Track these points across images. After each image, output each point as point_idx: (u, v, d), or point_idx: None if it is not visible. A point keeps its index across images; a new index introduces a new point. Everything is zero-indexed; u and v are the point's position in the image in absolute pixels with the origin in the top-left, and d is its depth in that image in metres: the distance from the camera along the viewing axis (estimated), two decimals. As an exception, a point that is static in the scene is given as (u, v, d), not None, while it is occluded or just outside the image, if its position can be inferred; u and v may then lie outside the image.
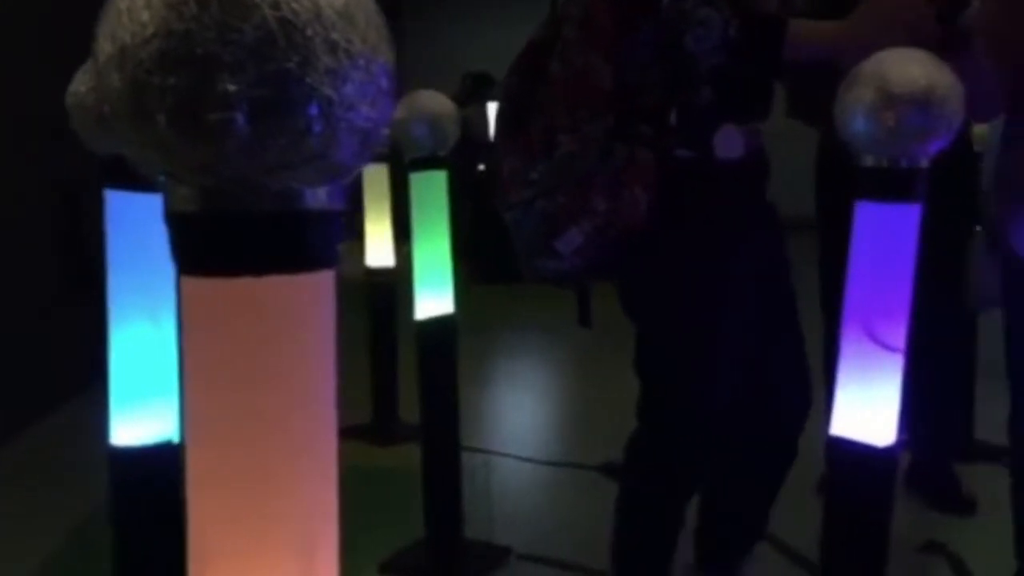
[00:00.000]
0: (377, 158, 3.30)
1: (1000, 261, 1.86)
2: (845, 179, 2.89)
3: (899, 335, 1.28)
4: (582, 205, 1.56)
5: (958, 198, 2.46)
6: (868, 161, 1.26)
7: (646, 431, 1.77)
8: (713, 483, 1.93)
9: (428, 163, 2.18)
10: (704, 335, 1.68)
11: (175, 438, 1.23)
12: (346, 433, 3.56)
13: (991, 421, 2.64)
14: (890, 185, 1.25)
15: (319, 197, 0.53)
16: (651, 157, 1.55)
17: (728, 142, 1.63)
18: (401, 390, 3.32)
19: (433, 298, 2.20)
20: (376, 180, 3.36)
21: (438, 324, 2.21)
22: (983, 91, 1.64)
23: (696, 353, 1.69)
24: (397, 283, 3.28)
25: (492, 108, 6.93)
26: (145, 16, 0.49)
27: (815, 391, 1.85)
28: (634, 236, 1.57)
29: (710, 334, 1.68)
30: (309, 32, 0.49)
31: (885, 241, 1.26)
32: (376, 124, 0.52)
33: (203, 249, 0.53)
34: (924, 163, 1.25)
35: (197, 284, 0.54)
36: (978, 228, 2.53)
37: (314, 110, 0.49)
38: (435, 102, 2.17)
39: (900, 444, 1.31)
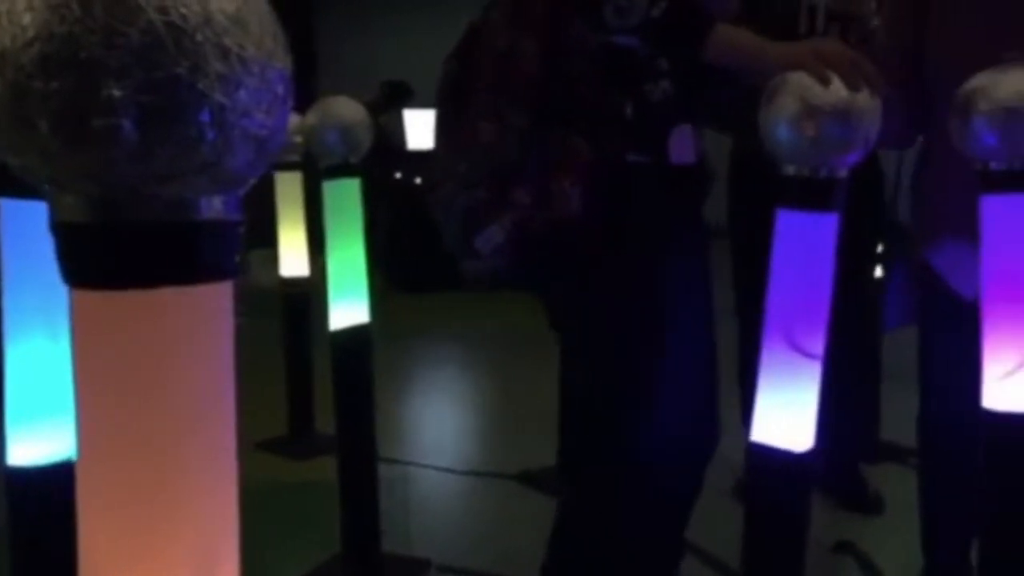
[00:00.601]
0: (290, 166, 3.26)
1: (911, 276, 1.92)
2: (758, 187, 2.97)
3: (818, 342, 1.30)
4: (503, 199, 1.48)
5: (863, 213, 2.54)
6: (789, 170, 1.28)
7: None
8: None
9: (341, 171, 2.15)
10: (646, 371, 1.55)
11: (74, 457, 1.18)
12: (261, 446, 3.51)
13: (896, 423, 2.73)
14: (810, 194, 1.27)
15: (214, 206, 0.51)
16: (585, 149, 1.48)
17: (682, 145, 1.55)
18: (318, 402, 3.28)
19: (348, 308, 2.17)
20: (290, 188, 3.31)
21: (353, 334, 2.18)
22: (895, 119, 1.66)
23: (640, 390, 1.57)
24: (312, 293, 3.24)
25: (409, 116, 6.90)
26: (26, 19, 0.47)
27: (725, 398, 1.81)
28: (562, 234, 1.48)
29: (651, 371, 1.56)
30: (199, 37, 0.47)
31: (804, 249, 1.28)
32: (272, 132, 0.51)
33: (91, 261, 0.51)
34: (843, 173, 1.28)
35: (87, 297, 0.52)
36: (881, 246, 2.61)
37: (206, 117, 0.47)
38: (347, 109, 2.14)
39: (819, 450, 1.33)
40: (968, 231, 1.75)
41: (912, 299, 1.95)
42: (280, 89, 0.51)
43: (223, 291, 0.53)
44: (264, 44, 0.50)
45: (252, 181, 0.52)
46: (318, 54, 9.73)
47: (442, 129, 1.56)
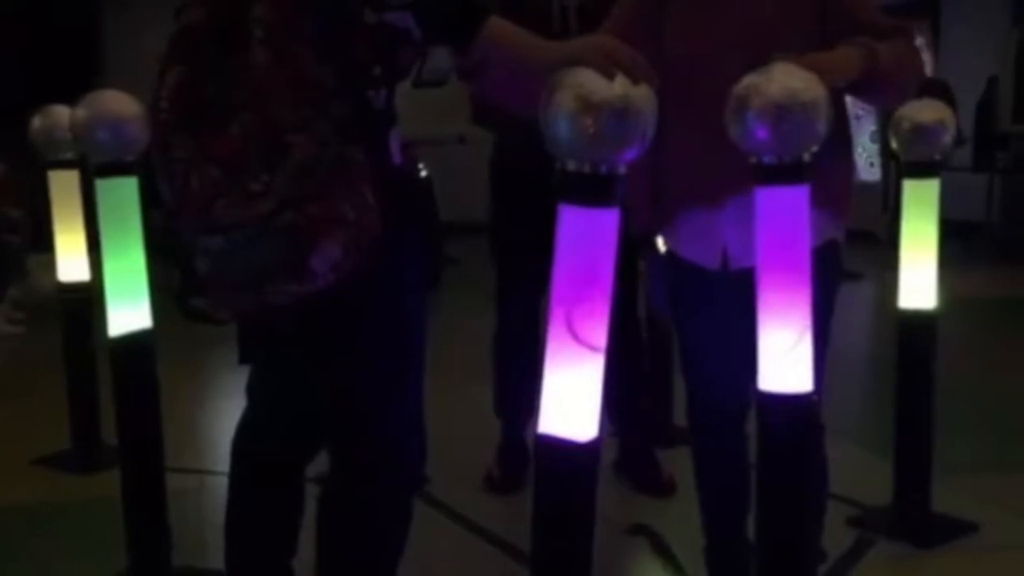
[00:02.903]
0: (65, 164, 3.06)
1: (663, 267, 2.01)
2: (518, 183, 3.02)
3: (600, 334, 1.32)
4: (335, 215, 1.42)
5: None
6: (571, 166, 1.29)
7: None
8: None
9: (115, 169, 2.02)
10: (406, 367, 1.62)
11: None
12: (43, 462, 3.31)
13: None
14: (591, 190, 1.29)
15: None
16: (361, 156, 1.46)
17: (397, 145, 1.57)
18: (104, 412, 3.09)
19: (127, 312, 2.05)
20: (66, 187, 3.10)
21: (134, 340, 2.06)
22: None
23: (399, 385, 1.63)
24: (95, 298, 3.05)
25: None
26: None
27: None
28: (376, 245, 1.46)
29: (407, 368, 1.63)
30: None
31: (586, 243, 1.30)
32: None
33: None
34: (622, 169, 1.30)
35: None
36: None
37: None
38: (119, 103, 2.01)
39: (601, 438, 1.36)
40: (697, 205, 1.86)
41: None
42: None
43: None
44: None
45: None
46: (105, 53, 9.20)
47: (187, 145, 1.42)
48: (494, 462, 2.97)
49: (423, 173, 7.19)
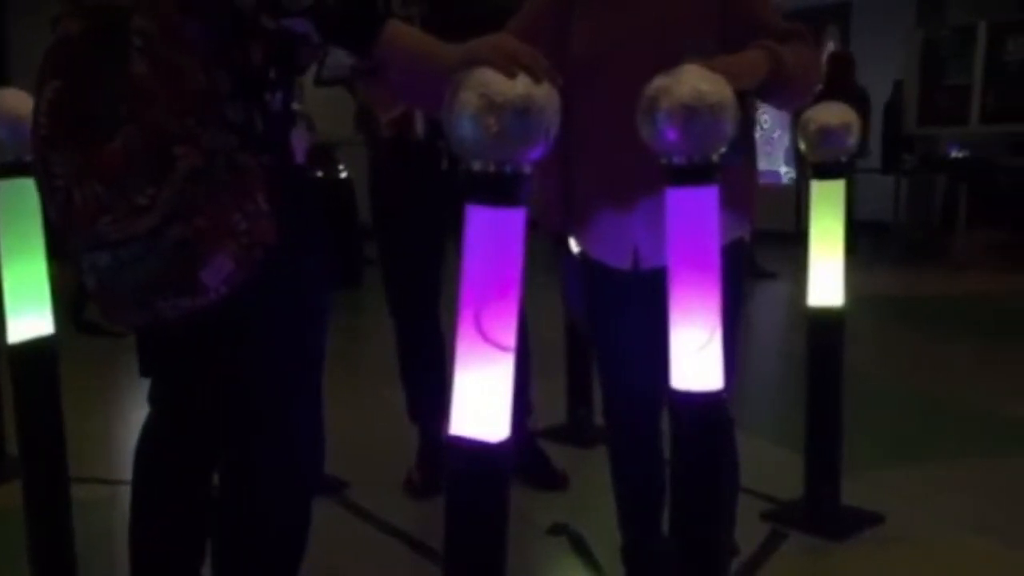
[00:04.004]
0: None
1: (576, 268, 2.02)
2: (395, 187, 3.04)
3: (510, 334, 1.32)
4: (224, 226, 1.38)
5: None
6: (476, 166, 1.28)
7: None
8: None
9: (15, 169, 1.96)
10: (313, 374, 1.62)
11: None
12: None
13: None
14: (496, 189, 1.28)
15: None
16: (256, 162, 1.43)
17: (300, 145, 1.57)
18: (8, 422, 2.99)
19: (28, 319, 1.98)
20: (-36, 189, 2.99)
21: (35, 347, 1.99)
22: None
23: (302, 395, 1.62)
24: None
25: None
26: None
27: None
28: (272, 252, 1.43)
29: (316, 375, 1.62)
30: None
31: (494, 243, 1.30)
32: None
33: None
34: (527, 169, 1.30)
35: None
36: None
37: None
38: (19, 101, 1.94)
39: (513, 438, 1.36)
40: (607, 206, 1.88)
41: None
42: None
43: None
44: None
45: None
46: (10, 54, 8.91)
47: (70, 159, 1.37)
48: (414, 465, 2.96)
49: (344, 174, 7.13)
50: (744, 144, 1.79)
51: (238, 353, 1.55)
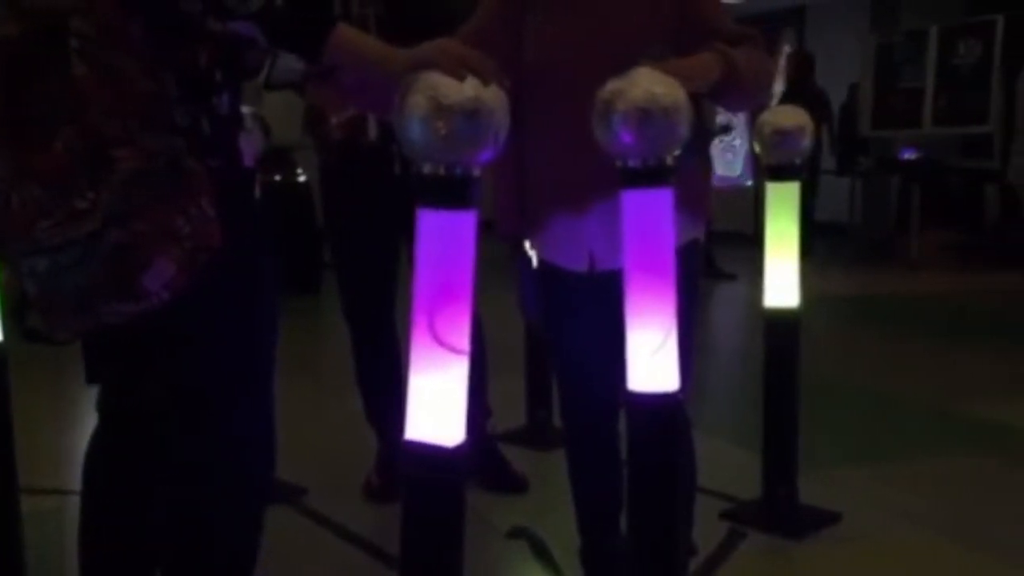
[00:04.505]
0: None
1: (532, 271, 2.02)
2: (347, 191, 3.03)
3: (463, 337, 1.31)
4: (166, 230, 1.35)
5: None
6: (426, 169, 1.28)
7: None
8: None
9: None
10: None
11: None
12: None
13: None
14: (447, 192, 1.28)
15: None
16: (201, 165, 1.41)
17: (249, 149, 1.58)
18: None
19: (-25, 327, 1.94)
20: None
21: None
22: None
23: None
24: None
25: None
26: None
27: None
28: (216, 259, 1.40)
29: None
30: None
31: (445, 246, 1.29)
32: None
33: None
34: (476, 171, 1.30)
35: None
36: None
37: None
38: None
39: (469, 442, 1.35)
40: (563, 209, 1.88)
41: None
42: None
43: None
44: None
45: None
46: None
47: (7, 162, 1.34)
48: (373, 469, 2.94)
49: (302, 178, 7.08)
50: (697, 145, 1.80)
51: (185, 358, 1.52)
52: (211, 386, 1.55)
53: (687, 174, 1.74)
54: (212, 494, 1.60)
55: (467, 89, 1.24)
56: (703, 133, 1.92)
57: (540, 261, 1.98)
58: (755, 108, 2.39)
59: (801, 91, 8.12)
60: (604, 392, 1.97)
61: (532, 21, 1.90)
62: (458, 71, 1.26)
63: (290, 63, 2.21)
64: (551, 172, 1.90)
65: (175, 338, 1.50)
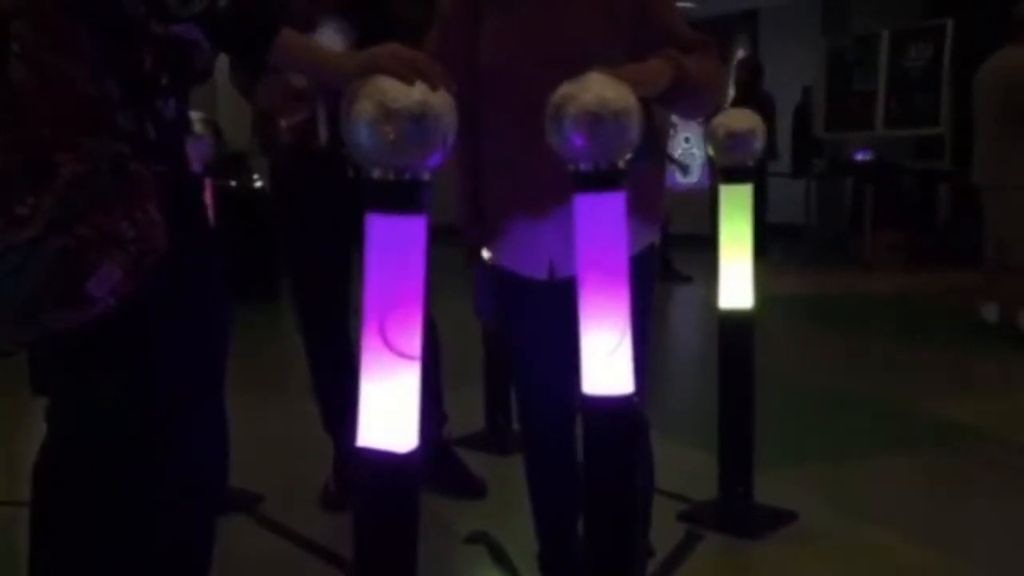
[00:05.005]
0: None
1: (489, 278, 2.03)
2: (298, 196, 3.00)
3: (415, 342, 1.31)
4: (111, 235, 1.33)
5: None
6: (375, 174, 1.28)
7: None
8: None
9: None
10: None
11: None
12: None
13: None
14: (396, 197, 1.28)
15: None
16: (147, 169, 1.39)
17: (197, 154, 1.57)
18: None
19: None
20: None
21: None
22: None
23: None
24: None
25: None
26: None
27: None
28: (160, 264, 1.38)
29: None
30: None
31: (395, 252, 1.29)
32: None
33: None
34: (426, 176, 1.29)
35: None
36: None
37: None
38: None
39: (421, 448, 1.34)
40: (521, 216, 1.88)
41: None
42: None
43: None
44: None
45: None
46: None
47: None
48: (330, 476, 2.92)
49: (258, 183, 7.02)
50: (648, 149, 1.81)
51: (133, 365, 1.50)
52: (160, 393, 1.53)
53: (640, 179, 1.75)
54: (165, 502, 1.58)
55: (415, 93, 1.24)
56: (655, 138, 1.93)
57: (499, 268, 1.98)
58: (707, 114, 2.41)
59: (750, 96, 8.21)
60: (562, 399, 1.97)
61: (489, 23, 1.90)
62: (407, 75, 1.26)
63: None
64: (509, 178, 1.90)
65: (122, 345, 1.48)
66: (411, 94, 1.24)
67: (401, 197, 1.26)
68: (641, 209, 1.82)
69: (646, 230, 1.90)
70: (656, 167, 1.96)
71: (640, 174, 1.73)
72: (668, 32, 1.83)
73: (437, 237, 3.24)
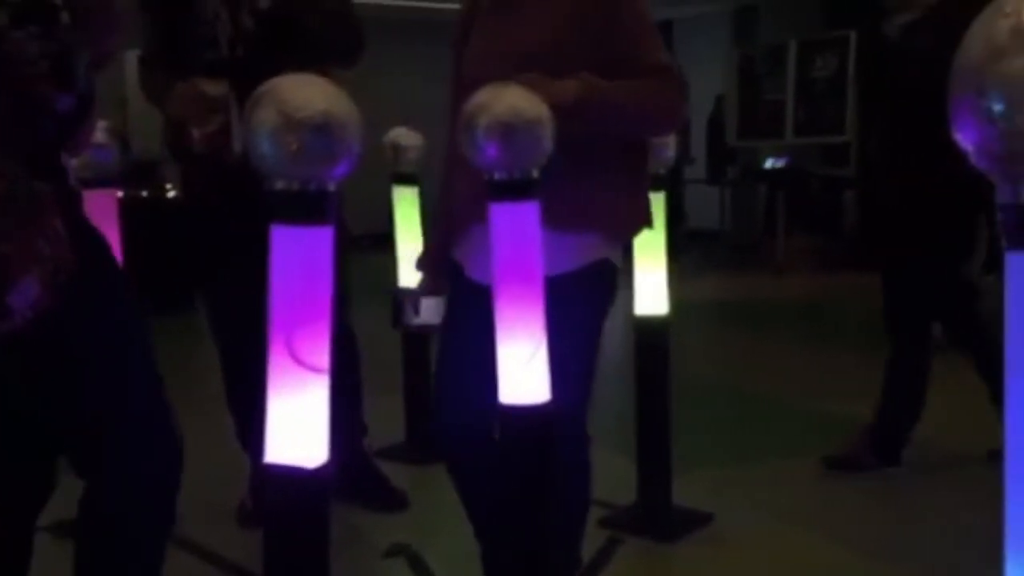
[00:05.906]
0: None
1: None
2: (210, 206, 2.94)
3: (322, 355, 1.28)
4: (30, 251, 1.35)
5: None
6: (279, 185, 1.25)
7: None
8: None
9: None
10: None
11: None
12: None
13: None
14: (302, 208, 1.25)
15: None
16: (49, 188, 1.39)
17: (100, 161, 1.54)
18: None
19: None
20: None
21: None
22: None
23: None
24: None
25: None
26: None
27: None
28: (70, 278, 1.39)
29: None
30: None
31: (301, 263, 1.26)
32: None
33: None
34: (332, 186, 1.27)
35: None
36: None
37: None
38: None
39: (332, 462, 1.32)
40: (478, 223, 1.89)
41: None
42: None
43: None
44: None
45: None
46: None
47: None
48: (247, 493, 2.86)
49: (171, 193, 6.86)
50: (611, 168, 1.86)
51: (52, 379, 1.50)
52: (83, 408, 1.52)
53: (586, 193, 1.77)
54: (106, 516, 1.57)
55: (317, 102, 1.21)
56: (626, 159, 1.93)
57: (460, 274, 2.00)
58: (663, 134, 2.44)
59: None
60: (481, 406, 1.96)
61: (471, 39, 1.96)
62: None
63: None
64: (467, 186, 1.90)
65: (40, 360, 1.48)
66: (314, 103, 1.21)
67: (306, 208, 1.24)
68: (595, 221, 1.84)
69: (594, 243, 1.89)
70: (630, 182, 1.96)
71: (592, 186, 1.74)
72: (628, 54, 1.85)
73: (354, 246, 3.20)
